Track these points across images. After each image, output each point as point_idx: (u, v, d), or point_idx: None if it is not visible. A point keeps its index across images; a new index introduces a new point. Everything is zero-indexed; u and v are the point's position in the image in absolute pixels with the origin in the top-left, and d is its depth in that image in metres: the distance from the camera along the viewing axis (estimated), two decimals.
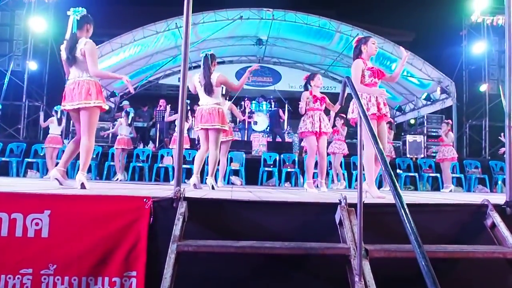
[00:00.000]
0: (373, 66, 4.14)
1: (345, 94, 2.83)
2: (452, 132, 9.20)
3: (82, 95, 3.75)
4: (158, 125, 11.67)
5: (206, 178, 5.19)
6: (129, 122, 9.39)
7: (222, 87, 5.28)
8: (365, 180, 3.95)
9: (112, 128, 10.03)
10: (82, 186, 3.58)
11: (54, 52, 11.90)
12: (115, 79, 4.28)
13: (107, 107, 3.88)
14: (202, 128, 5.03)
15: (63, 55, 3.91)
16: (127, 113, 9.48)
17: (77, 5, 3.97)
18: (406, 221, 1.57)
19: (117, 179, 9.02)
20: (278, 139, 12.76)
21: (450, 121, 9.68)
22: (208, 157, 5.07)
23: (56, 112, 9.14)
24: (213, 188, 4.87)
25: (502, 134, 9.52)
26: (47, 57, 12.03)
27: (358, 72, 4.05)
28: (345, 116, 8.24)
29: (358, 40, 4.29)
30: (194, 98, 5.45)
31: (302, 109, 5.44)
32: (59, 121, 9.09)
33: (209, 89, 4.95)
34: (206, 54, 5.04)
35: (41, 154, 9.85)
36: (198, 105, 5.12)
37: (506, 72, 2.97)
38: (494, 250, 2.41)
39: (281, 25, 12.85)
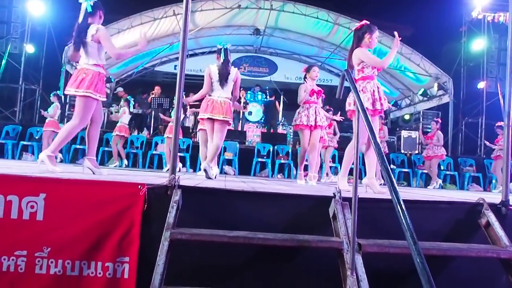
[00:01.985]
0: None
1: (343, 88, 2.80)
2: (440, 130, 9.22)
3: (76, 82, 3.80)
4: (153, 112, 11.62)
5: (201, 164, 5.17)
6: (130, 110, 9.46)
7: None
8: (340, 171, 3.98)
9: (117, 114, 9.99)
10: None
11: (52, 35, 11.80)
12: (137, 52, 4.31)
13: (99, 98, 3.85)
14: (209, 118, 5.00)
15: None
16: (128, 102, 9.52)
17: None
18: (402, 218, 1.57)
19: (116, 165, 9.00)
20: (282, 130, 12.77)
21: (439, 119, 9.74)
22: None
23: (59, 97, 9.21)
24: (207, 176, 4.83)
25: (486, 142, 9.62)
26: (45, 41, 11.91)
27: (370, 55, 3.95)
28: (332, 109, 8.27)
29: (363, 25, 4.04)
30: (185, 88, 5.40)
31: (302, 100, 5.43)
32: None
33: (224, 82, 4.98)
34: (226, 47, 5.06)
35: (36, 137, 9.79)
36: (209, 95, 5.06)
37: (507, 70, 2.95)
38: (488, 249, 2.41)
39: (279, 16, 12.78)
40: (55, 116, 9.23)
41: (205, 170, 4.79)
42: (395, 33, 3.97)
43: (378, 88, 3.93)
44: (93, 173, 3.82)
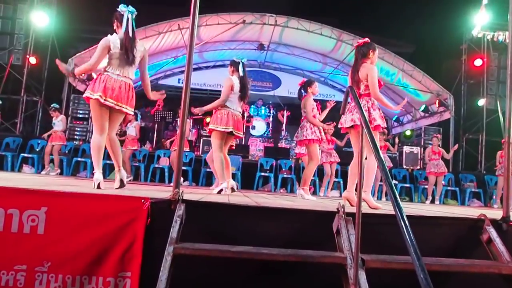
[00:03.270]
0: None
1: (347, 103, 2.83)
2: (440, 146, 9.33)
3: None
4: (156, 126, 11.66)
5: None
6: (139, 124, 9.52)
7: None
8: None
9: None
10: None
11: (55, 47, 11.86)
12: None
13: (92, 97, 3.69)
14: (229, 132, 4.94)
15: (116, 50, 3.77)
16: (136, 115, 9.50)
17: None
18: (406, 233, 1.57)
19: (130, 179, 8.90)
20: (281, 144, 12.76)
21: (439, 135, 9.80)
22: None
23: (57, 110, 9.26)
24: (232, 190, 4.85)
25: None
26: (48, 53, 11.97)
27: (376, 78, 3.91)
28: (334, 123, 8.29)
29: (366, 42, 4.05)
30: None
31: (313, 116, 5.43)
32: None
33: (244, 98, 5.04)
34: (245, 61, 5.21)
35: (37, 150, 9.81)
36: (226, 107, 4.98)
37: (507, 87, 2.98)
38: (490, 265, 2.42)
39: (283, 31, 12.89)
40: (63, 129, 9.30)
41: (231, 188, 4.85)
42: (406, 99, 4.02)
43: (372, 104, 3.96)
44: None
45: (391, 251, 2.35)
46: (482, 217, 2.69)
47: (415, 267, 1.43)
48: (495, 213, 3.10)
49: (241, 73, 5.03)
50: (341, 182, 9.55)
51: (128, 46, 3.76)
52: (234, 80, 4.99)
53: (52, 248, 2.33)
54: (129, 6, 3.85)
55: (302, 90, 5.60)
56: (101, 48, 3.74)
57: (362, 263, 2.20)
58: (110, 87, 3.69)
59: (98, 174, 3.64)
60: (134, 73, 3.89)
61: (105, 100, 3.66)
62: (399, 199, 1.69)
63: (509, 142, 2.89)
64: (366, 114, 3.84)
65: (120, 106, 3.75)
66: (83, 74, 4.10)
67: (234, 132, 4.90)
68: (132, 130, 9.30)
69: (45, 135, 9.39)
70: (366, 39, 4.11)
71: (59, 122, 9.23)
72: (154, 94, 4.24)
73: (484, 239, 2.62)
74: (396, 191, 1.74)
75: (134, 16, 3.86)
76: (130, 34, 3.79)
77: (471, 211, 4.33)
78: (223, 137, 4.94)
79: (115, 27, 3.87)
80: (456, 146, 9.93)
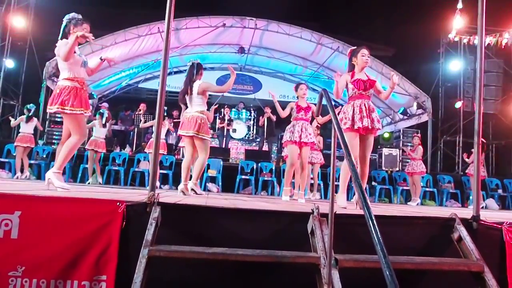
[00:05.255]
0: (358, 78, 4.14)
1: (321, 106, 2.88)
2: (422, 147, 9.46)
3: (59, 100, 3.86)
4: (136, 129, 11.57)
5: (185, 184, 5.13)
6: (103, 123, 9.20)
7: None
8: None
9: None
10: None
11: (33, 50, 11.71)
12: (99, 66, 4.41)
13: (84, 113, 3.91)
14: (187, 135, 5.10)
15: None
16: (101, 114, 9.27)
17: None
18: (373, 232, 1.61)
19: (88, 182, 8.81)
20: (265, 147, 12.75)
21: (419, 135, 9.96)
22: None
23: (29, 110, 9.02)
24: (195, 193, 4.89)
25: (465, 154, 10.01)
26: (25, 56, 11.82)
27: (340, 84, 4.11)
28: (320, 126, 8.34)
29: (350, 52, 4.28)
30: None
31: (281, 113, 5.52)
32: (28, 119, 8.96)
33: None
34: (193, 63, 5.20)
35: (14, 154, 9.63)
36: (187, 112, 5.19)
37: (476, 91, 3.07)
38: (459, 263, 2.48)
39: (264, 35, 12.96)
40: (15, 124, 9.09)
41: (192, 190, 4.87)
42: (393, 75, 4.20)
43: (365, 106, 4.09)
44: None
45: (365, 250, 2.39)
46: (453, 216, 2.76)
47: (381, 265, 1.47)
48: (467, 212, 3.18)
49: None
50: (321, 184, 9.61)
51: None
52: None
53: (26, 252, 2.31)
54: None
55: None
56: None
57: (335, 262, 2.23)
58: None
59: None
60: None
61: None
62: (367, 199, 1.73)
63: (478, 143, 2.97)
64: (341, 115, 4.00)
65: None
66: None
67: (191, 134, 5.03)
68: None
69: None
70: (350, 50, 4.31)
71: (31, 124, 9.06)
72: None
73: (455, 238, 2.69)
74: (364, 191, 1.78)
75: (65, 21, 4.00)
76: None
77: (445, 210, 4.42)
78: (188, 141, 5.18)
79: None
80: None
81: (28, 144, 8.90)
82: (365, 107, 4.06)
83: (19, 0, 11.53)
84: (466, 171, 9.84)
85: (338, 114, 4.02)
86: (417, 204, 8.97)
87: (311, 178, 8.89)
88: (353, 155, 3.82)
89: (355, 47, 4.28)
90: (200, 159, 5.04)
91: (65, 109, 3.81)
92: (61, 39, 3.93)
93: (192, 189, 4.95)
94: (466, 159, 9.99)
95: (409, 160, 9.70)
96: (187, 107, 5.23)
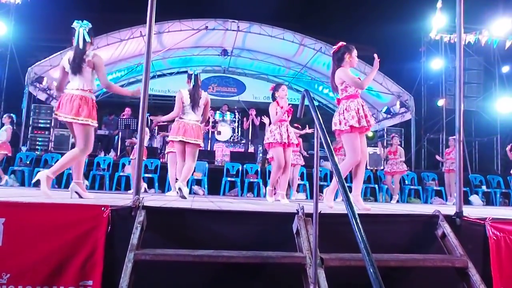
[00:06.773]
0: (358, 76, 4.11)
1: (303, 107, 2.89)
2: (401, 146, 9.65)
3: (73, 110, 3.78)
4: (120, 133, 11.48)
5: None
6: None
7: None
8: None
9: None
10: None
11: (14, 56, 11.55)
12: (122, 94, 4.42)
13: (95, 125, 3.91)
14: (181, 141, 5.18)
15: (66, 65, 3.88)
16: (11, 118, 9.04)
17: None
18: (357, 230, 1.63)
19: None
20: (250, 149, 12.75)
21: (398, 135, 10.17)
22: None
23: (12, 119, 8.91)
24: (182, 195, 4.88)
25: (437, 156, 10.38)
26: (6, 62, 11.64)
27: (351, 75, 3.99)
28: (300, 127, 8.36)
29: (340, 47, 4.10)
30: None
31: (273, 118, 5.48)
32: None
33: (197, 107, 5.22)
34: (197, 74, 5.29)
35: None
36: (181, 118, 5.25)
37: (456, 89, 3.13)
38: (443, 259, 2.52)
39: (246, 37, 12.99)
40: (9, 139, 8.94)
41: (179, 189, 4.85)
42: (375, 55, 4.07)
43: (362, 106, 3.99)
44: (80, 197, 3.83)
45: (350, 249, 2.41)
46: (437, 213, 2.80)
47: (365, 262, 1.49)
48: (450, 209, 3.23)
49: (192, 84, 5.25)
50: (307, 184, 9.66)
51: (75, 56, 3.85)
52: (183, 93, 5.23)
53: (11, 259, 2.30)
54: (83, 21, 3.92)
55: (274, 96, 5.61)
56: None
57: (321, 262, 2.25)
58: None
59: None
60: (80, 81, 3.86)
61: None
62: (350, 197, 1.75)
63: (460, 140, 3.02)
64: (337, 117, 3.95)
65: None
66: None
67: (183, 139, 5.14)
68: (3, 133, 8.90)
69: None
70: (341, 43, 4.13)
71: (3, 131, 8.91)
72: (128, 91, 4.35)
73: (439, 234, 2.73)
74: (347, 190, 1.81)
75: (87, 29, 3.91)
76: (81, 46, 3.85)
77: (429, 207, 4.48)
78: (179, 146, 5.28)
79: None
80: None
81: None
82: (362, 105, 4.05)
83: (0, 6, 11.37)
84: (444, 168, 10.05)
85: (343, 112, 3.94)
86: (397, 201, 9.18)
87: (298, 179, 8.94)
88: (358, 157, 3.86)
89: (347, 44, 4.13)
90: (192, 164, 5.18)
91: (79, 119, 3.79)
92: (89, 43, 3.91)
93: (180, 188, 4.92)
94: (438, 158, 10.55)
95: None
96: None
